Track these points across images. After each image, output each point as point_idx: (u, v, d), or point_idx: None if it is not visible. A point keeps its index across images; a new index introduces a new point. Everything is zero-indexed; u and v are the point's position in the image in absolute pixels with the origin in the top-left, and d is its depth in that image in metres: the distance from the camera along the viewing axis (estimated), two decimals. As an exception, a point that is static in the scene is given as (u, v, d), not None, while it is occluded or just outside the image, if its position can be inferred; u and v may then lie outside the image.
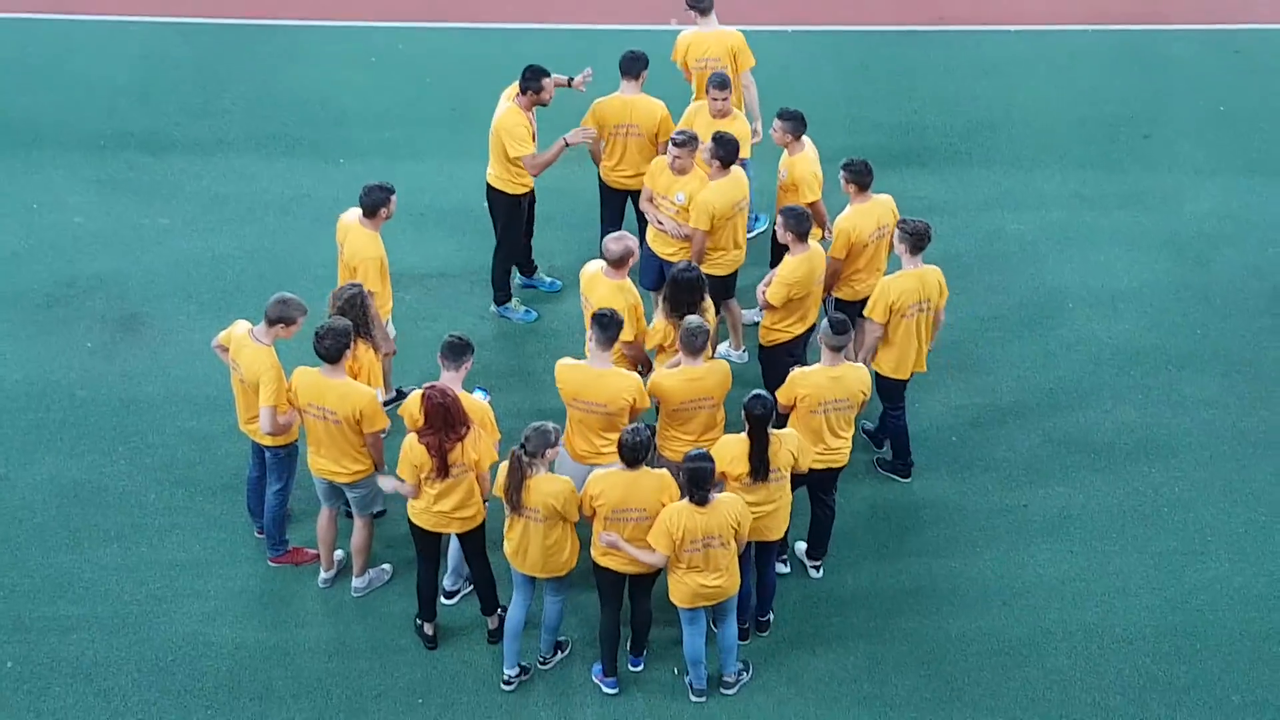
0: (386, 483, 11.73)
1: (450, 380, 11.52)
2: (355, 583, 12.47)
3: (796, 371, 11.90)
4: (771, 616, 12.29)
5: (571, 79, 14.66)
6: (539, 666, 11.99)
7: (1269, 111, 17.92)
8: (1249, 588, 12.55)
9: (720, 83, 14.01)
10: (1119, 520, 13.10)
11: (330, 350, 11.48)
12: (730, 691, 11.83)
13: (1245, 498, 13.28)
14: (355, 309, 11.97)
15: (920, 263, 12.58)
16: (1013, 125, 17.67)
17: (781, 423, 11.78)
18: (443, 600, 12.37)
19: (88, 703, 11.74)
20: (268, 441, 12.06)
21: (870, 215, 13.09)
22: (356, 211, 13.03)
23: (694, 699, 11.77)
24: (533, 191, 14.66)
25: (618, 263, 12.44)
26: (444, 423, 11.15)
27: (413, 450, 11.29)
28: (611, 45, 18.78)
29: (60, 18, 19.37)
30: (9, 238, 15.87)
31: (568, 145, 14.08)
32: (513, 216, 14.55)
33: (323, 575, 12.55)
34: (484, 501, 11.65)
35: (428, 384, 11.33)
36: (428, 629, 12.09)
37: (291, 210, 16.29)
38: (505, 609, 12.13)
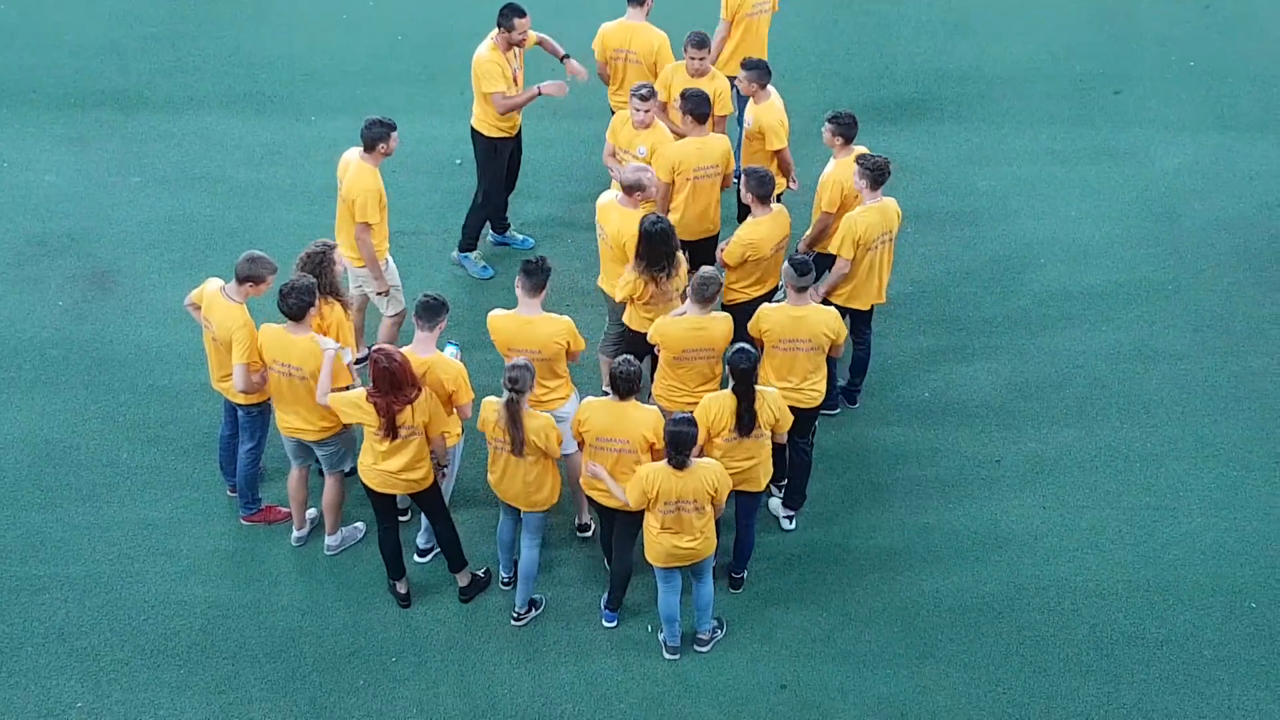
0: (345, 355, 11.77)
1: (424, 340, 11.52)
2: (328, 540, 12.47)
3: (763, 307, 12.02)
4: (745, 574, 12.35)
5: (568, 57, 14.59)
6: (512, 623, 12.03)
7: (1238, 67, 17.94)
8: (1221, 543, 12.63)
9: (698, 41, 13.94)
10: (1091, 475, 13.16)
11: (294, 308, 11.47)
12: (704, 649, 11.89)
13: (1217, 452, 13.36)
14: (321, 267, 11.93)
15: (880, 196, 12.64)
16: (984, 81, 17.67)
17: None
18: (416, 559, 12.39)
19: (60, 662, 11.74)
20: (240, 400, 12.04)
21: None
22: (358, 149, 12.99)
23: (668, 656, 11.81)
24: (517, 141, 14.60)
25: (629, 189, 12.45)
26: (390, 385, 11.14)
27: (360, 404, 11.29)
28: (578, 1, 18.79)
29: (27, -25, 19.23)
30: (-22, 196, 15.80)
31: (540, 94, 14.01)
32: (489, 161, 14.46)
33: (295, 534, 12.55)
34: (438, 465, 11.67)
35: (375, 346, 11.33)
36: (399, 587, 12.11)
37: (263, 167, 16.22)
38: (481, 572, 12.19)
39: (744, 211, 13.38)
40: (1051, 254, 15.29)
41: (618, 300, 12.58)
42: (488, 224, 15.01)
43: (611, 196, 12.73)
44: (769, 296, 12.97)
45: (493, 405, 11.34)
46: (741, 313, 12.55)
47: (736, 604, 12.19)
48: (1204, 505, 12.92)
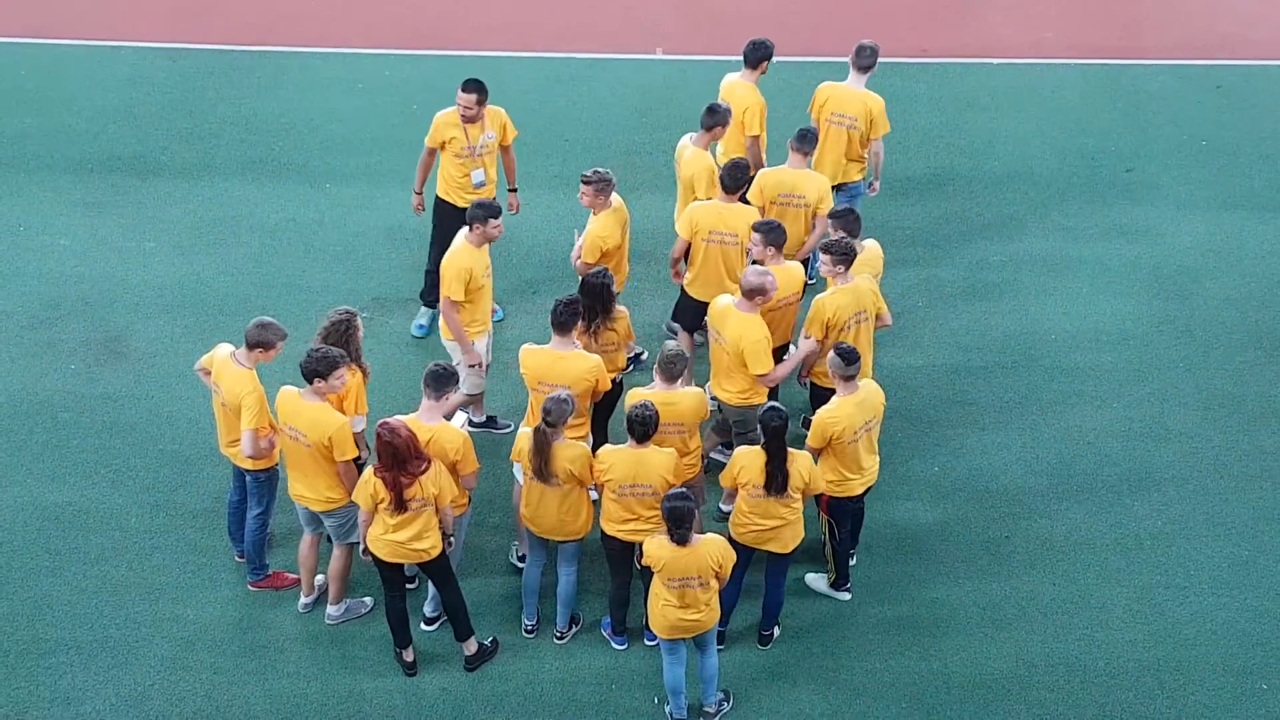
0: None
1: (430, 409, 11.55)
2: (330, 610, 12.43)
3: (823, 412, 11.90)
4: (776, 631, 12.34)
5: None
6: (555, 641, 12.23)
7: (1250, 147, 18.00)
8: (1232, 623, 12.56)
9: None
10: (1101, 553, 13.12)
11: (305, 370, 11.50)
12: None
13: (1228, 531, 13.30)
14: (339, 334, 11.97)
15: (851, 278, 12.65)
16: (995, 157, 17.74)
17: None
18: (423, 627, 12.35)
19: (66, 727, 11.71)
20: (249, 465, 12.04)
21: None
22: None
23: None
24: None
25: (750, 294, 12.43)
26: (394, 460, 11.16)
27: (370, 481, 11.31)
28: (596, 74, 18.96)
29: (49, 42, 19.39)
30: (-7, 259, 15.88)
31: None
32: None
33: (303, 600, 12.51)
34: (446, 536, 11.67)
35: (381, 421, 11.33)
36: (406, 655, 12.07)
37: (277, 234, 16.29)
38: (488, 641, 12.17)
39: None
40: (1063, 330, 15.30)
41: None
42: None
43: (729, 301, 12.64)
44: (781, 351, 13.06)
45: (525, 435, 11.53)
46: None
47: (743, 676, 12.13)
48: (1214, 585, 12.86)
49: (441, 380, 11.54)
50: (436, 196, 14.54)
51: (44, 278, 15.63)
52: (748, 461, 11.55)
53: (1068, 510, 13.48)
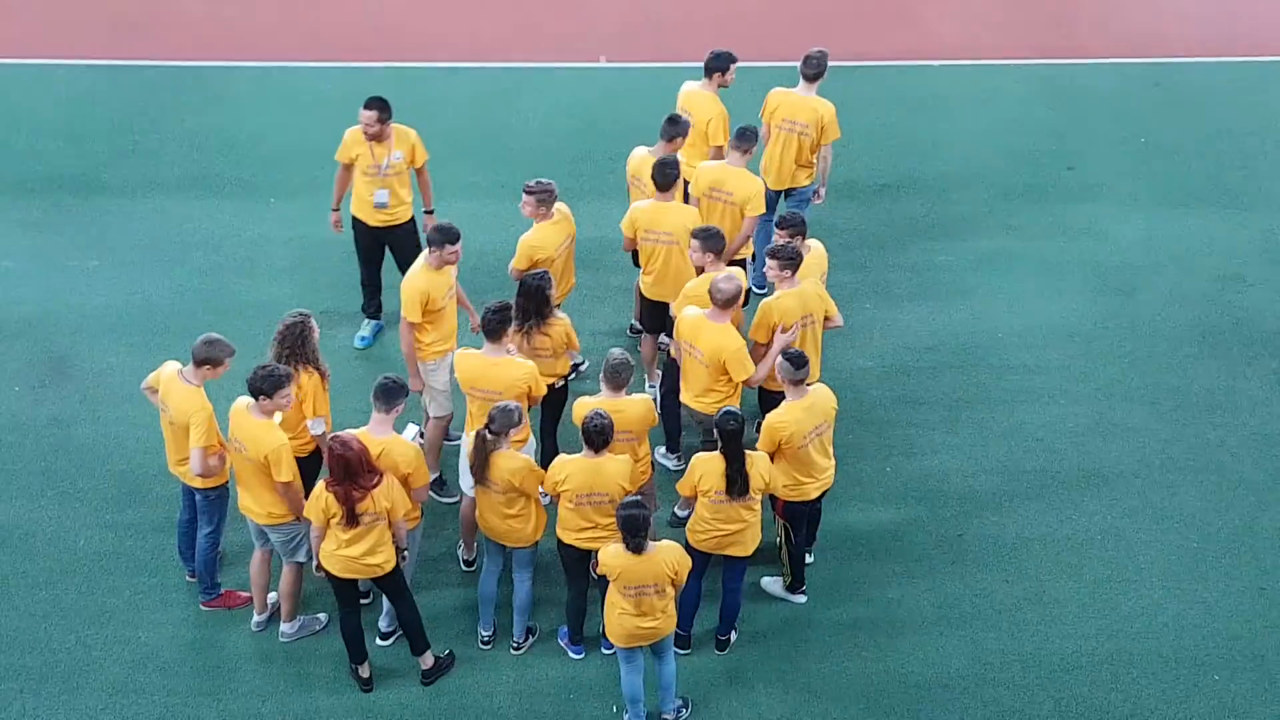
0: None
1: (380, 422, 11.53)
2: (284, 627, 12.36)
3: (772, 417, 11.91)
4: (734, 636, 12.34)
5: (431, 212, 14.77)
6: (512, 652, 12.20)
7: (1189, 143, 18.16)
8: (1183, 615, 12.64)
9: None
10: (1053, 548, 13.18)
11: (250, 387, 11.46)
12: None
13: (1176, 524, 13.40)
14: (295, 337, 11.95)
15: (797, 282, 12.67)
16: (939, 158, 17.84)
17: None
18: (378, 642, 12.30)
19: (18, 752, 11.61)
20: (198, 483, 11.97)
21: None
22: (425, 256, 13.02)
23: None
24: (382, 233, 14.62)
25: (726, 304, 12.41)
26: (345, 474, 11.12)
27: (322, 496, 11.27)
28: (540, 83, 18.96)
29: (-15, 60, 19.27)
30: (-66, 282, 15.73)
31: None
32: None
33: (256, 619, 12.44)
34: (399, 550, 11.63)
35: (333, 434, 11.30)
36: (362, 671, 12.01)
37: (221, 250, 16.21)
38: (444, 654, 12.13)
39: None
40: (1009, 329, 15.38)
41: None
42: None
43: (696, 313, 12.55)
44: None
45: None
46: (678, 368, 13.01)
47: (701, 681, 12.12)
48: (1165, 577, 12.94)
49: (391, 393, 11.51)
50: (351, 214, 14.56)
51: (-14, 299, 15.52)
52: (708, 468, 11.55)
53: (1019, 507, 13.54)
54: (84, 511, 13.36)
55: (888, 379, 14.76)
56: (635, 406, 12.02)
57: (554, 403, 12.86)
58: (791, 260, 12.61)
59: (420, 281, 12.80)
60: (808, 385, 11.94)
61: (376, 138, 14.16)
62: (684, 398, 12.84)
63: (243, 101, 18.62)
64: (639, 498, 11.23)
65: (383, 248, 14.75)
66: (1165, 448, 14.11)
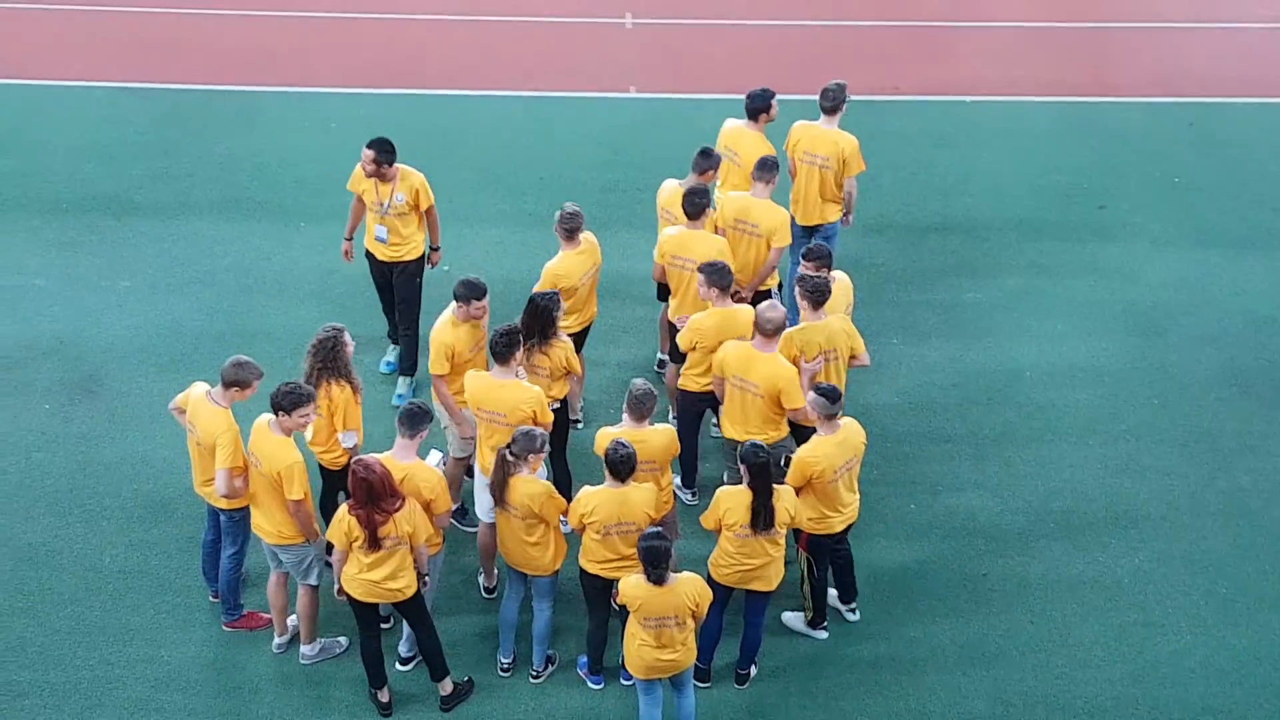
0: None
1: (404, 447, 11.55)
2: (304, 650, 12.36)
3: (804, 452, 11.85)
4: (754, 671, 12.29)
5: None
6: (531, 681, 12.17)
7: (1223, 183, 18.11)
8: (1211, 661, 12.55)
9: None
10: (1078, 590, 13.11)
11: (271, 401, 11.50)
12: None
13: (1205, 569, 13.31)
14: (327, 350, 12.03)
15: (823, 315, 12.63)
16: (969, 195, 17.82)
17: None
18: (398, 667, 12.28)
19: (38, 770, 11.62)
20: (223, 504, 11.99)
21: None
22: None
23: None
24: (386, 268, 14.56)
25: (776, 332, 12.37)
26: (368, 497, 11.12)
27: (344, 519, 11.27)
28: (569, 112, 19.02)
29: (22, 83, 19.38)
30: (-33, 299, 15.83)
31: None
32: None
33: (277, 640, 12.44)
34: (420, 575, 11.64)
35: (356, 458, 11.32)
36: (381, 696, 11.99)
37: (252, 273, 16.27)
38: (464, 680, 12.11)
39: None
40: (1037, 368, 15.33)
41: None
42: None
43: (738, 346, 12.47)
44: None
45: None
46: (690, 401, 13.07)
47: (720, 715, 12.06)
48: (1193, 623, 12.85)
49: (416, 419, 11.53)
50: (364, 245, 14.56)
51: (18, 318, 15.57)
52: (733, 502, 11.51)
53: (1045, 548, 13.48)
54: (110, 530, 13.39)
55: (913, 415, 14.72)
56: (658, 436, 12.01)
57: (557, 425, 12.81)
58: (813, 293, 12.58)
59: (446, 335, 12.74)
60: (839, 420, 11.91)
61: (378, 177, 14.08)
62: (730, 432, 12.66)
63: (275, 126, 18.70)
64: (660, 529, 11.21)
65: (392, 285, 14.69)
66: (1195, 491, 14.03)
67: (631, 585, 11.07)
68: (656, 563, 10.88)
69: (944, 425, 14.66)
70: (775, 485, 11.52)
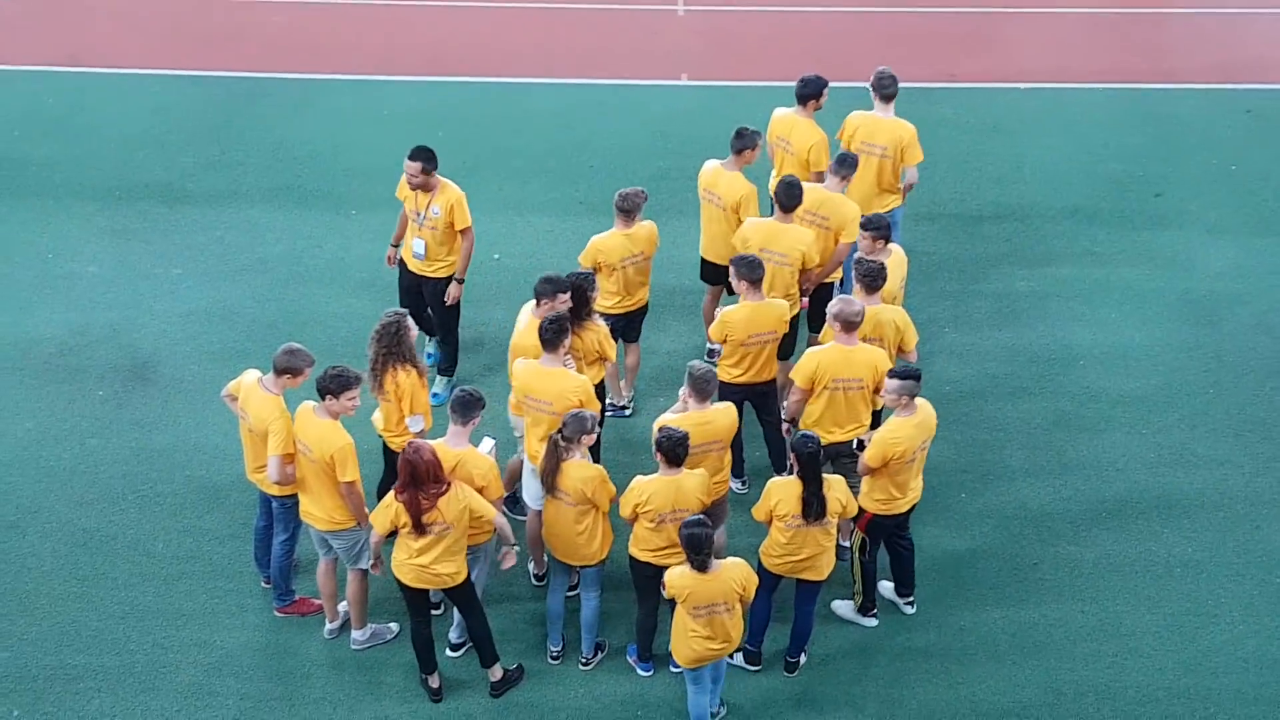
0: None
1: (456, 435, 11.58)
2: (355, 635, 12.41)
3: (885, 433, 11.78)
4: (804, 659, 12.28)
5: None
6: (580, 668, 12.19)
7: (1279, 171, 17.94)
8: (1263, 651, 12.45)
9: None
10: (1130, 579, 13.03)
11: (318, 385, 11.57)
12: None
13: (1258, 559, 13.20)
14: (391, 335, 12.13)
15: (878, 299, 12.55)
16: (1023, 182, 17.71)
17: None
18: (448, 653, 12.33)
19: (92, 753, 11.72)
20: (275, 491, 12.05)
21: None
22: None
23: None
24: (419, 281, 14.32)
25: (852, 326, 12.26)
26: (412, 480, 11.14)
27: (391, 505, 11.31)
28: (620, 100, 19.01)
29: (76, 70, 19.51)
30: (23, 286, 15.93)
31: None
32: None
33: (328, 626, 12.50)
34: (512, 547, 11.70)
35: (409, 442, 11.36)
36: (431, 681, 12.04)
37: (303, 261, 16.33)
38: (513, 667, 12.14)
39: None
40: (1091, 356, 15.23)
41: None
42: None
43: (821, 348, 12.41)
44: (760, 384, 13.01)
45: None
46: (728, 392, 12.81)
47: (771, 703, 12.06)
48: (1245, 613, 12.75)
49: (468, 406, 11.55)
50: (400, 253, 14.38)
51: (72, 305, 15.69)
52: (784, 493, 11.49)
53: (1097, 537, 13.40)
54: (163, 516, 13.48)
55: (965, 403, 14.65)
56: (723, 416, 12.02)
57: None
58: (868, 277, 12.49)
59: (527, 339, 12.57)
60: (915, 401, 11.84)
61: (419, 188, 13.86)
62: (832, 438, 12.39)
63: (327, 114, 18.77)
64: (702, 515, 11.19)
65: (420, 293, 14.38)
66: (1249, 481, 13.91)
67: (677, 576, 11.07)
68: (699, 549, 10.87)
69: (996, 413, 14.59)
70: (826, 475, 11.50)
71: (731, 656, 11.94)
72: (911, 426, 11.77)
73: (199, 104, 18.87)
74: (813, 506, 11.42)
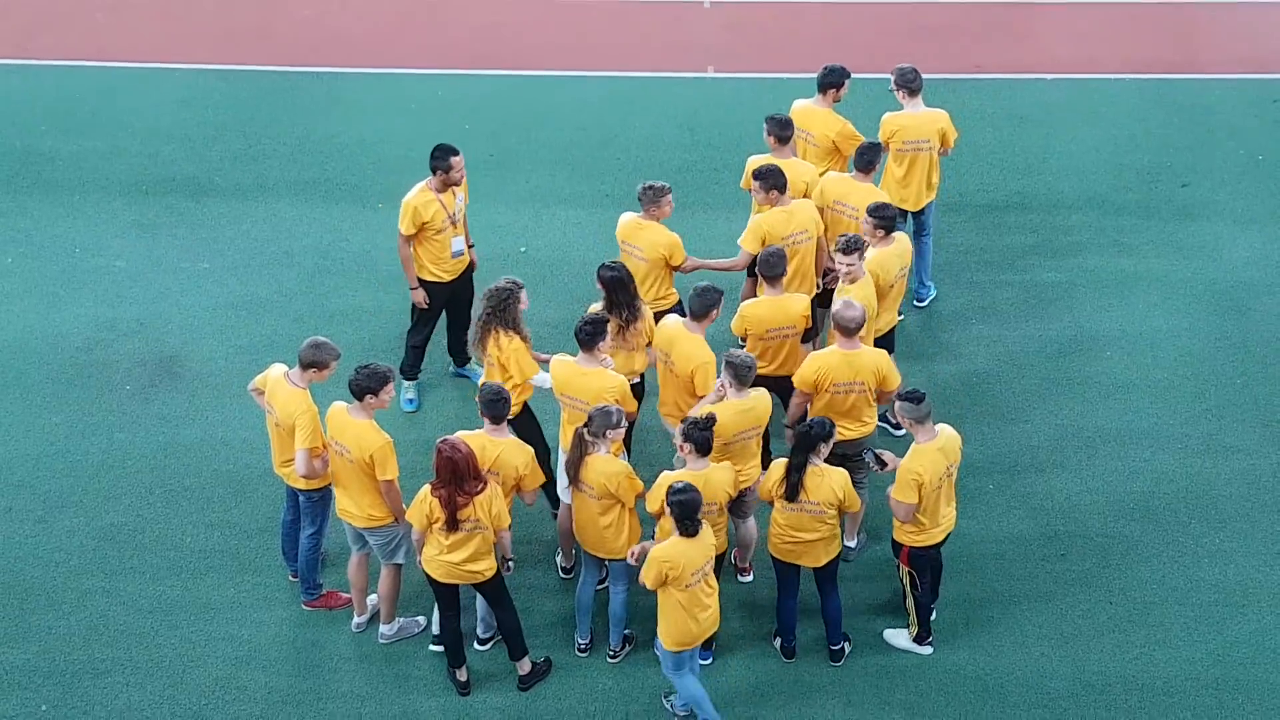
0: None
1: (493, 432, 11.60)
2: (383, 629, 12.44)
3: (909, 463, 11.61)
4: (847, 647, 12.35)
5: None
6: (609, 660, 12.20)
7: (1309, 161, 17.86)
8: (1292, 642, 12.45)
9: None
10: (1158, 570, 13.00)
11: (354, 387, 11.57)
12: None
13: (1287, 549, 13.19)
14: (501, 300, 12.32)
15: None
16: (1049, 173, 17.64)
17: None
18: (476, 646, 12.35)
19: (121, 746, 11.78)
20: (302, 485, 12.08)
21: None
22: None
23: None
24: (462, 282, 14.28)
25: (856, 330, 12.25)
26: (452, 476, 11.16)
27: (426, 500, 11.31)
28: (647, 93, 18.99)
29: (104, 64, 19.55)
30: (51, 280, 15.99)
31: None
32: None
33: (356, 620, 12.53)
34: (505, 560, 11.70)
35: (443, 438, 11.36)
36: (459, 675, 12.07)
37: (330, 254, 16.36)
38: (542, 661, 12.19)
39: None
40: (1118, 346, 15.18)
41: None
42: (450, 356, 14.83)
43: (827, 351, 12.39)
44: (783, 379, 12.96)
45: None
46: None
47: (802, 681, 12.07)
48: (1274, 603, 12.71)
49: (496, 404, 11.58)
50: (419, 279, 14.04)
51: (99, 299, 15.75)
52: (779, 472, 11.63)
53: (1124, 528, 13.36)
54: (190, 510, 13.53)
55: (992, 395, 14.61)
56: (762, 401, 12.04)
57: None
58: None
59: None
60: (935, 426, 11.74)
61: (458, 183, 13.84)
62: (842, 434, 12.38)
63: (354, 107, 18.79)
64: (688, 483, 11.15)
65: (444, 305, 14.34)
66: (1277, 470, 13.85)
67: (669, 547, 11.06)
68: (690, 514, 10.97)
69: (1023, 404, 14.55)
70: (827, 466, 11.53)
71: (710, 649, 12.10)
72: (933, 451, 11.65)
73: (226, 98, 18.91)
74: (786, 485, 11.48)
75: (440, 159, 13.71)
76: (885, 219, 13.17)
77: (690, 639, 11.36)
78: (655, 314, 13.03)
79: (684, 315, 12.60)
